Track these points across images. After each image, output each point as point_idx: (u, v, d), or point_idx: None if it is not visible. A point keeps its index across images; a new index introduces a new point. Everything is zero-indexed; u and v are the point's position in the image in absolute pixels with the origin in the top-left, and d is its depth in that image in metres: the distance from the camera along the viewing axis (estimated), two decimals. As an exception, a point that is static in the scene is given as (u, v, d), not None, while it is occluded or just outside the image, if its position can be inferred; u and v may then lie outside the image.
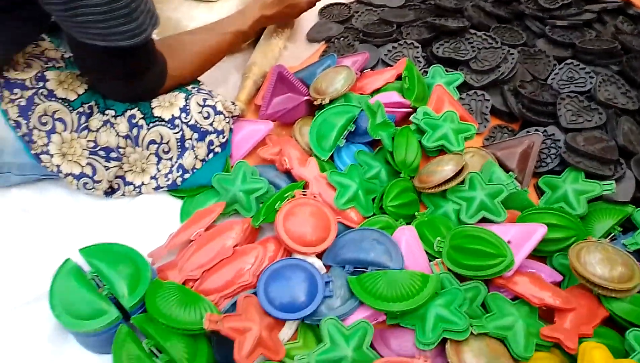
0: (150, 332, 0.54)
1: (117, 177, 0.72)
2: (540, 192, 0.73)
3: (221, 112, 0.74)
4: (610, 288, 0.56)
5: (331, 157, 0.76)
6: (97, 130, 0.68)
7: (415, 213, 0.70)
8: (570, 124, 0.76)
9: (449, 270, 0.61)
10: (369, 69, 0.91)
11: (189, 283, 0.62)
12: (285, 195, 0.68)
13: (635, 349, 0.53)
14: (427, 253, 0.64)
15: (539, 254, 0.64)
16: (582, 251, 0.59)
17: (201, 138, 0.72)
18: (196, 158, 0.73)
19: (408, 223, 0.68)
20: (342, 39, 0.98)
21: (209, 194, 0.73)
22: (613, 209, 0.67)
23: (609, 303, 0.57)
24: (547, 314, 0.59)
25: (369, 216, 0.69)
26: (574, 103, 0.79)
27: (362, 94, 0.85)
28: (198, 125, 0.71)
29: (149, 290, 0.57)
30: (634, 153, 0.73)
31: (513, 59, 0.86)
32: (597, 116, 0.77)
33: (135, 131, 0.70)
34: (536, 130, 0.77)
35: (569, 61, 0.87)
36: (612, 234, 0.67)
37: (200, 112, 0.72)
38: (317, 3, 1.06)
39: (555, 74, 0.86)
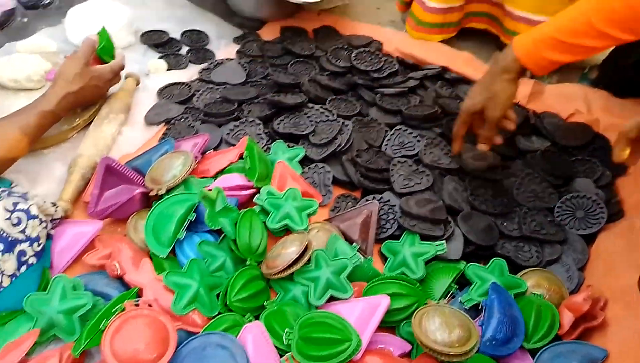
0: None
1: None
2: (384, 258, 0.75)
3: (36, 216, 0.65)
4: (450, 353, 0.57)
5: (173, 251, 0.70)
6: None
7: (264, 303, 0.66)
8: (403, 188, 0.81)
9: (300, 363, 0.58)
10: (212, 150, 0.88)
11: None
12: (113, 310, 0.59)
13: (480, 413, 0.54)
14: (277, 347, 0.61)
15: (387, 325, 0.64)
16: (423, 318, 0.61)
17: (8, 249, 0.62)
18: (2, 273, 0.61)
19: (257, 316, 0.64)
20: (182, 120, 0.95)
21: (22, 319, 0.62)
22: (448, 268, 0.71)
23: (453, 367, 0.59)
24: (401, 390, 0.58)
25: (215, 316, 0.63)
26: (405, 167, 0.85)
27: (204, 177, 0.81)
28: (4, 234, 0.61)
29: None
30: (460, 210, 0.79)
31: (348, 130, 0.90)
32: (425, 178, 0.83)
33: None
34: (374, 198, 0.80)
35: (398, 126, 0.94)
36: (451, 292, 0.70)
37: (8, 219, 0.62)
38: (155, 83, 1.02)
39: (387, 140, 0.92)
